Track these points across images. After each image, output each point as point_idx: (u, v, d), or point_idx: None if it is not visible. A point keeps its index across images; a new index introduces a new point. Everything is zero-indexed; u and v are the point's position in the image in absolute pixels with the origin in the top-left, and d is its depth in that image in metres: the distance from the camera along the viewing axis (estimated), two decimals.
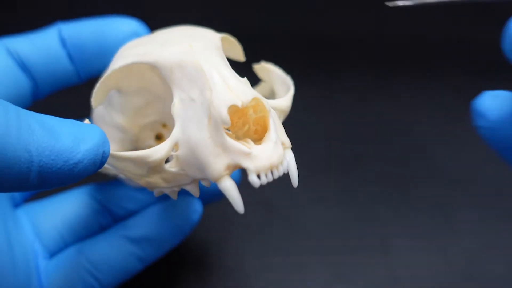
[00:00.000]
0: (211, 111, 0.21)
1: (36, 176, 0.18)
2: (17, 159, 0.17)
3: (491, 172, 0.39)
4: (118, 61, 0.24)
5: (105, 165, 0.23)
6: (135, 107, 0.26)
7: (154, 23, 0.35)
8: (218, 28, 0.28)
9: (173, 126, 0.25)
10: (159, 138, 0.28)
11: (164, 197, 0.29)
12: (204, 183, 0.22)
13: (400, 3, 0.21)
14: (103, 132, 0.20)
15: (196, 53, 0.22)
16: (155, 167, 0.21)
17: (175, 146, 0.21)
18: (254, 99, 0.21)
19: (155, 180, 0.22)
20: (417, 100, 0.45)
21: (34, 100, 0.29)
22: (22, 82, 0.27)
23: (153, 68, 0.24)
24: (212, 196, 0.30)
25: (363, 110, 0.43)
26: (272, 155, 0.21)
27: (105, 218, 0.29)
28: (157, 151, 0.21)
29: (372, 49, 0.50)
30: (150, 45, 0.23)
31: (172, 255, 0.33)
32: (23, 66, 0.27)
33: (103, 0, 0.54)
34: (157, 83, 0.25)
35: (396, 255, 0.34)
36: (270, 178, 0.21)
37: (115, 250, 0.27)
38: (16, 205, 0.28)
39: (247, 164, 0.21)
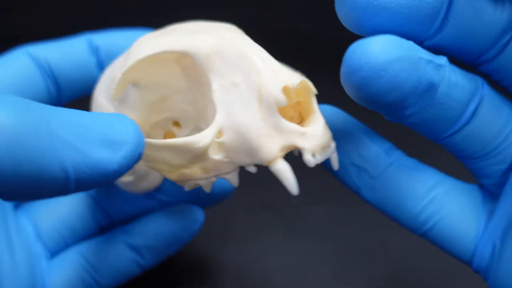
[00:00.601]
0: (262, 93, 0.20)
1: (74, 187, 0.18)
2: (54, 177, 0.17)
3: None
4: (141, 51, 0.23)
5: None
6: (150, 102, 0.25)
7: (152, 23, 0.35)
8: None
9: (189, 122, 0.25)
10: (168, 137, 0.28)
11: (165, 204, 0.28)
12: (206, 189, 0.22)
13: None
14: (137, 127, 0.19)
15: (232, 40, 0.22)
16: (200, 155, 0.21)
17: (219, 133, 0.21)
18: (302, 81, 0.21)
19: (193, 171, 0.22)
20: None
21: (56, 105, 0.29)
22: (42, 89, 0.28)
23: (183, 57, 0.23)
24: (211, 200, 0.29)
25: (363, 110, 0.43)
26: (324, 135, 0.21)
27: (105, 219, 0.29)
28: (203, 137, 0.21)
29: None
30: (176, 35, 0.22)
31: (171, 255, 0.33)
32: (50, 72, 0.28)
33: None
34: (177, 74, 0.24)
35: (396, 255, 0.34)
36: (323, 158, 0.21)
37: (114, 254, 0.27)
38: (16, 205, 0.28)
39: (302, 143, 0.20)
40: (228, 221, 0.36)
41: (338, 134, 0.23)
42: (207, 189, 0.22)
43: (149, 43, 0.23)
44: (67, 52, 0.28)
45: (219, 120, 0.21)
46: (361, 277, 0.33)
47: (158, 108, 0.25)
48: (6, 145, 0.16)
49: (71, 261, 0.27)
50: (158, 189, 0.28)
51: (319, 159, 0.21)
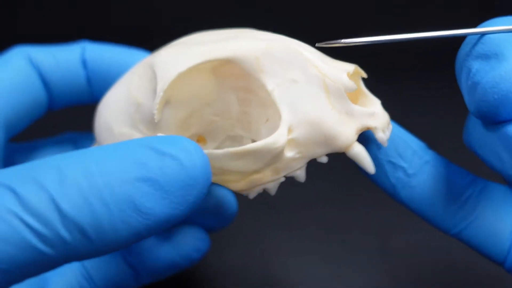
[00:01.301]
0: (327, 83, 0.21)
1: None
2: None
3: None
4: (176, 65, 0.22)
5: None
6: (180, 119, 0.24)
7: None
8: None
9: (216, 134, 0.24)
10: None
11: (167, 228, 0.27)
12: (272, 191, 0.22)
13: (333, 43, 0.21)
14: (207, 160, 0.18)
15: (274, 39, 0.22)
16: (277, 155, 0.21)
17: (288, 131, 0.21)
18: (355, 67, 0.22)
19: (264, 174, 0.21)
20: (418, 100, 0.45)
21: (49, 110, 0.29)
22: (40, 91, 0.28)
23: (222, 65, 0.22)
24: (218, 225, 0.28)
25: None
26: (384, 113, 0.22)
27: None
28: (280, 137, 0.21)
29: (373, 48, 0.50)
30: (210, 44, 0.22)
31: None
32: (41, 77, 0.28)
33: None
34: (208, 86, 0.24)
35: (396, 255, 0.34)
36: (389, 134, 0.22)
37: (112, 267, 0.26)
38: None
39: (374, 123, 0.21)
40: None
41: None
42: (274, 191, 0.22)
43: (181, 56, 0.22)
44: (60, 60, 0.28)
45: (286, 118, 0.21)
46: (361, 277, 0.33)
47: (187, 125, 0.24)
48: None
49: (71, 268, 0.26)
50: None
51: (388, 135, 0.22)
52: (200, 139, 0.25)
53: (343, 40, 0.21)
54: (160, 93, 0.22)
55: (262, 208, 0.37)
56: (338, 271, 0.33)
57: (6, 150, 0.28)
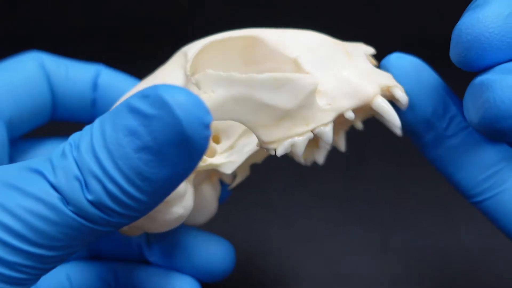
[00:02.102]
0: (348, 49, 0.23)
1: None
2: None
3: None
4: (208, 38, 0.24)
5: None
6: None
7: None
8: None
9: (232, 131, 0.25)
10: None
11: (153, 261, 0.27)
12: (299, 150, 0.22)
13: None
14: (193, 105, 0.18)
15: (296, 30, 0.24)
16: (311, 94, 0.21)
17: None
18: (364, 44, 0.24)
19: (294, 122, 0.21)
20: None
21: (51, 120, 0.29)
22: (46, 99, 0.28)
23: (249, 45, 0.24)
24: (208, 277, 0.27)
25: None
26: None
27: (95, 252, 0.28)
28: (313, 77, 0.22)
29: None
30: (238, 31, 0.24)
31: None
32: (50, 86, 0.28)
33: None
34: (231, 70, 0.24)
35: (396, 255, 0.34)
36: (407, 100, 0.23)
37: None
38: None
39: (393, 82, 0.23)
40: (227, 221, 0.36)
41: (420, 87, 0.23)
42: (301, 150, 0.22)
43: (213, 36, 0.24)
44: (72, 77, 0.29)
45: (314, 74, 0.22)
46: (361, 277, 0.33)
47: None
48: None
49: (58, 281, 0.26)
50: (150, 246, 0.27)
51: (406, 98, 0.23)
52: (215, 137, 0.25)
53: None
54: (194, 53, 0.23)
55: (262, 208, 0.37)
56: (338, 271, 0.33)
57: (11, 149, 0.29)
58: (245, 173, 0.27)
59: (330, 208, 0.37)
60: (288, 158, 0.23)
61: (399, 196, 0.38)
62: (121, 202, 0.18)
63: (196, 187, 0.25)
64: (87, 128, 0.19)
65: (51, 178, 0.18)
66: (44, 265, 0.19)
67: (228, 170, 0.24)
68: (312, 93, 0.21)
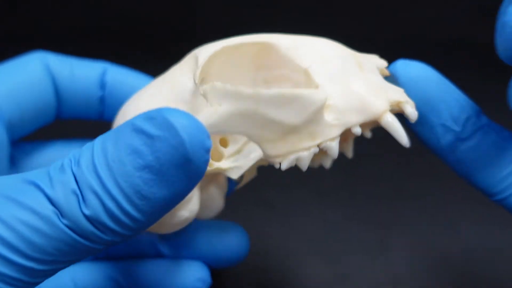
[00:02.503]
0: (360, 61, 0.23)
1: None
2: None
3: None
4: (220, 43, 0.23)
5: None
6: None
7: None
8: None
9: (238, 138, 0.24)
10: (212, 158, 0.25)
11: (168, 254, 0.27)
12: (305, 164, 0.22)
13: None
14: (196, 129, 0.18)
15: (309, 37, 0.24)
16: (319, 110, 0.21)
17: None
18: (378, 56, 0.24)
19: (300, 137, 0.21)
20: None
21: (57, 119, 0.29)
22: (50, 99, 0.28)
23: (261, 51, 0.23)
24: (222, 264, 0.28)
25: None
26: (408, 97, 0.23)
27: (101, 252, 0.27)
28: (322, 92, 0.21)
29: (372, 47, 0.50)
30: (250, 36, 0.24)
31: None
32: (55, 86, 0.28)
33: None
34: (243, 78, 0.24)
35: (396, 255, 0.34)
36: (416, 116, 0.23)
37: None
38: None
39: (404, 98, 0.22)
40: (227, 220, 0.36)
41: (431, 92, 0.23)
42: (306, 163, 0.22)
43: (225, 41, 0.23)
44: (77, 76, 0.28)
45: (324, 86, 0.22)
46: (361, 277, 0.33)
47: None
48: None
49: (62, 285, 0.26)
50: (164, 238, 0.27)
51: (416, 114, 0.22)
52: (222, 140, 0.25)
53: None
54: (205, 59, 0.22)
55: (261, 208, 0.37)
56: (338, 271, 0.33)
57: (12, 151, 0.29)
58: (253, 174, 0.27)
59: (330, 207, 0.37)
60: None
61: (399, 196, 0.38)
62: (117, 219, 0.18)
63: (203, 187, 0.25)
64: (88, 145, 0.19)
65: (47, 191, 0.18)
66: (31, 279, 0.18)
67: (234, 175, 0.24)
68: (320, 109, 0.21)
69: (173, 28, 0.52)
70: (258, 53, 0.24)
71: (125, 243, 0.27)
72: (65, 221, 0.18)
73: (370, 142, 0.41)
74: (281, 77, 0.23)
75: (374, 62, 0.23)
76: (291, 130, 0.21)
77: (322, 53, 0.23)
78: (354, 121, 0.21)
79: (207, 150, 0.18)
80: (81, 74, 0.29)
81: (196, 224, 0.27)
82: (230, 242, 0.27)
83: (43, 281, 0.19)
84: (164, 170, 0.18)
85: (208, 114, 0.20)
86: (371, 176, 0.39)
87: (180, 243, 0.27)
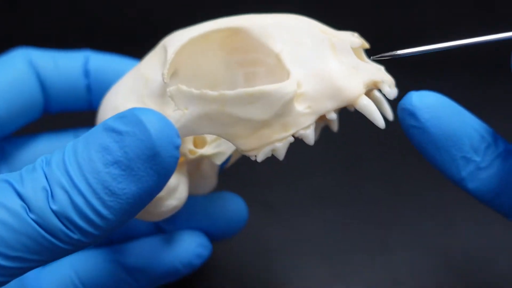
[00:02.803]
0: (333, 42, 0.22)
1: None
2: None
3: None
4: (187, 34, 0.23)
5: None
6: None
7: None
8: None
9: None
10: (196, 146, 0.25)
11: (169, 229, 0.27)
12: (281, 153, 0.21)
13: (399, 52, 0.22)
14: (164, 124, 0.19)
15: (282, 15, 0.23)
16: (288, 103, 0.20)
17: (297, 86, 0.21)
18: (357, 34, 0.23)
19: (273, 130, 0.21)
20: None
21: (45, 113, 0.29)
22: (36, 94, 0.28)
23: (231, 36, 0.23)
24: (224, 234, 0.28)
25: None
26: (387, 74, 0.23)
27: None
28: (290, 84, 0.21)
29: (371, 47, 0.50)
30: (220, 20, 0.23)
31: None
32: (40, 80, 0.28)
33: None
34: (215, 64, 0.24)
35: (395, 255, 0.34)
36: (396, 93, 0.22)
37: (106, 274, 0.26)
38: None
39: (381, 77, 0.22)
40: None
41: (451, 124, 0.23)
42: (282, 153, 0.22)
43: (194, 28, 0.23)
44: (61, 67, 0.28)
45: (295, 73, 0.21)
46: (361, 277, 0.33)
47: None
48: None
49: (63, 275, 0.26)
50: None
51: (394, 92, 0.22)
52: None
53: (398, 52, 0.21)
54: (171, 55, 0.22)
55: (262, 208, 0.37)
56: (338, 271, 0.33)
57: (3, 145, 0.29)
58: (239, 154, 0.27)
59: (330, 208, 0.37)
60: (288, 158, 0.22)
61: (399, 196, 0.38)
62: (85, 215, 0.18)
63: (192, 171, 0.26)
64: (60, 148, 0.19)
65: (17, 187, 0.18)
66: None
67: (218, 161, 0.24)
68: (289, 102, 0.21)
69: (173, 28, 0.52)
70: (230, 37, 0.23)
71: (125, 226, 0.27)
72: (32, 216, 0.18)
73: (370, 143, 0.41)
74: (255, 61, 0.23)
75: (348, 40, 0.22)
76: (262, 125, 0.21)
77: (294, 34, 0.22)
78: (328, 107, 0.21)
79: (176, 147, 0.18)
80: (65, 64, 0.29)
81: (194, 198, 0.28)
82: (229, 211, 0.28)
83: (8, 281, 0.19)
84: (132, 165, 0.18)
85: (176, 117, 0.21)
86: (371, 176, 0.39)
87: (179, 217, 0.27)
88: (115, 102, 0.24)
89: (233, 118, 0.21)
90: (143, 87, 0.23)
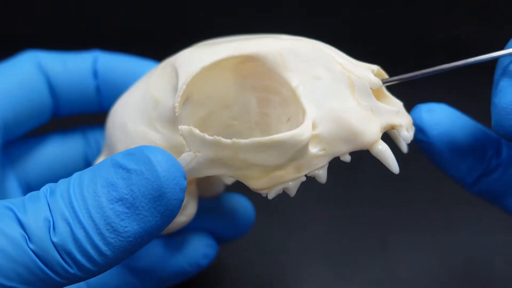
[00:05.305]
0: (352, 80, 0.21)
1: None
2: None
3: None
4: (199, 60, 0.22)
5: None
6: (198, 119, 0.23)
7: None
8: None
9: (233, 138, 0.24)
10: None
11: (177, 232, 0.27)
12: (292, 192, 0.21)
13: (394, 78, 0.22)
14: (173, 166, 0.18)
15: (298, 39, 0.22)
16: (303, 149, 0.20)
17: (312, 126, 0.21)
18: (378, 68, 0.22)
19: (286, 171, 0.21)
20: (416, 99, 0.45)
21: (53, 117, 0.29)
22: (44, 98, 0.28)
23: (245, 62, 0.22)
24: (231, 235, 0.28)
25: None
26: (407, 114, 0.22)
27: None
28: (305, 129, 0.20)
29: (371, 46, 0.50)
30: (235, 42, 0.22)
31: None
32: (49, 83, 0.28)
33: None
34: (229, 86, 0.23)
35: (396, 255, 0.34)
36: (413, 135, 0.22)
37: (113, 277, 0.26)
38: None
39: (399, 121, 0.21)
40: None
41: (458, 137, 0.24)
42: (294, 191, 0.22)
43: (205, 53, 0.22)
44: (70, 68, 0.28)
45: (311, 113, 0.21)
46: (361, 277, 0.33)
47: (204, 126, 0.23)
48: None
49: None
50: None
51: (412, 134, 0.22)
52: None
53: (409, 74, 0.22)
54: (183, 86, 0.21)
55: (262, 208, 0.37)
56: (338, 271, 0.33)
57: (10, 149, 0.28)
58: None
59: (330, 208, 0.37)
60: None
61: (398, 196, 0.38)
62: (84, 250, 0.18)
63: (199, 180, 0.25)
64: (65, 178, 0.19)
65: (20, 215, 0.18)
66: None
67: (228, 181, 0.24)
68: (303, 148, 0.20)
69: (173, 28, 0.52)
70: (244, 63, 0.23)
71: None
72: (32, 246, 0.18)
73: None
74: (270, 88, 0.23)
75: (367, 79, 0.21)
76: (275, 168, 0.21)
77: (311, 65, 0.21)
78: (343, 150, 0.21)
79: (182, 189, 0.18)
80: (74, 65, 0.28)
81: (201, 200, 0.27)
82: (236, 213, 0.28)
83: None
84: (137, 204, 0.18)
85: (187, 159, 0.20)
86: (372, 177, 0.39)
87: None
88: (123, 119, 0.24)
89: (246, 163, 0.20)
90: (153, 109, 0.23)
